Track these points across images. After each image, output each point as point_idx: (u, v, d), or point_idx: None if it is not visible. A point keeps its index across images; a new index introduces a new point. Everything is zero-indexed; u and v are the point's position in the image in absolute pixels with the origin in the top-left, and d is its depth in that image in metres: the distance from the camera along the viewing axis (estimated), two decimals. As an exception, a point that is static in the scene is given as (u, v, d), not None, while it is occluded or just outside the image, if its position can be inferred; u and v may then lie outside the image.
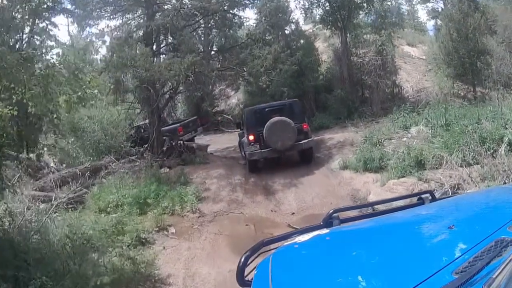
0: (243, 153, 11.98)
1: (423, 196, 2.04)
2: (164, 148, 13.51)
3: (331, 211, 1.85)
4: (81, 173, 10.24)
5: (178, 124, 15.87)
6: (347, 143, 12.33)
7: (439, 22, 20.67)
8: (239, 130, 13.00)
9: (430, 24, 27.50)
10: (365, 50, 17.30)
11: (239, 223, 8.09)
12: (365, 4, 17.27)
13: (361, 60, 17.30)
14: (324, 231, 1.75)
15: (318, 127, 15.70)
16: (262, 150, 10.44)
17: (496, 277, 1.04)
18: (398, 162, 8.77)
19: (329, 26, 17.76)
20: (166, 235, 7.52)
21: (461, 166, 7.68)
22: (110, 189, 9.21)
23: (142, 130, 15.29)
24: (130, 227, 7.01)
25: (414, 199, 2.07)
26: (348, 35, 17.06)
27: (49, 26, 11.02)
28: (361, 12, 17.61)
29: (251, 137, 10.60)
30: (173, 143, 13.49)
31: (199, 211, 8.83)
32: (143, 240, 6.99)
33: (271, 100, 19.43)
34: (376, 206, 2.35)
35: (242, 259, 1.60)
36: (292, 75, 16.39)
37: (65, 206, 7.79)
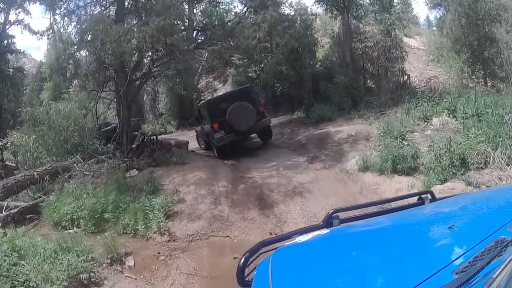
0: (202, 143, 14.52)
1: (423, 196, 2.04)
2: (134, 146, 11.81)
3: (331, 211, 1.85)
4: (39, 177, 9.51)
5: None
6: (360, 137, 10.97)
7: (441, 12, 21.12)
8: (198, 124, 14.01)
9: (426, 15, 26.88)
10: (370, 30, 16.76)
11: (223, 254, 6.60)
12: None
13: (363, 45, 16.96)
14: (324, 231, 1.75)
15: (319, 119, 14.71)
16: (228, 135, 11.80)
17: (496, 277, 1.04)
18: (434, 160, 7.70)
19: (329, 6, 16.95)
20: (120, 271, 6.05)
21: (508, 165, 6.94)
22: (67, 197, 8.24)
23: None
24: (73, 256, 5.63)
25: (414, 199, 2.07)
26: (350, 16, 16.19)
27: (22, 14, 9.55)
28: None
29: (216, 125, 11.80)
30: (145, 139, 11.81)
31: (168, 232, 7.29)
32: (85, 282, 5.42)
33: (263, 92, 20.03)
34: (376, 206, 2.09)
35: (242, 260, 1.60)
36: (288, 57, 15.57)
37: (13, 219, 7.35)
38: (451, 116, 9.82)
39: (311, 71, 16.61)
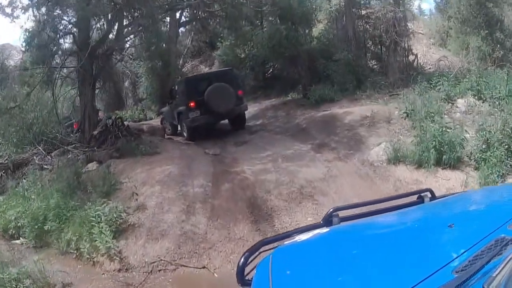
0: (168, 127, 13.89)
1: (422, 194, 2.06)
2: (95, 132, 10.30)
3: (331, 209, 1.86)
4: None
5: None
6: (379, 119, 9.46)
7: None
8: (167, 104, 14.10)
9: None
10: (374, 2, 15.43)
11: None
12: None
13: (364, 22, 15.60)
14: (324, 229, 1.77)
15: (320, 99, 13.37)
16: (204, 115, 11.44)
17: (496, 275, 1.05)
18: (483, 150, 6.36)
19: None
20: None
21: None
22: (15, 199, 7.05)
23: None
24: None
25: (414, 198, 2.09)
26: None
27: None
28: None
29: (192, 104, 11.45)
30: (109, 125, 10.39)
31: (120, 257, 5.36)
32: None
33: (252, 73, 19.18)
34: (375, 205, 2.09)
35: (242, 259, 1.63)
36: (283, 29, 14.09)
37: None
38: (476, 97, 9.15)
39: (308, 48, 15.32)
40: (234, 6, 12.10)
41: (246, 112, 12.94)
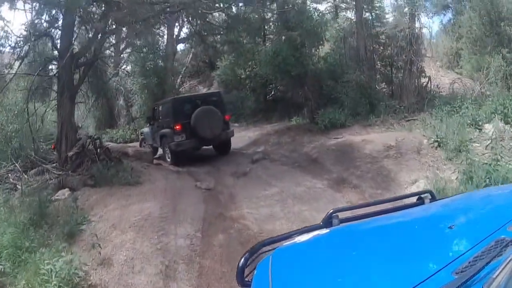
0: (148, 146, 13.43)
1: (423, 195, 2.11)
2: (71, 154, 8.87)
3: (331, 210, 1.92)
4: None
5: None
6: (407, 149, 8.42)
7: (448, 16, 20.51)
8: (148, 124, 13.93)
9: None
10: (387, 21, 15.30)
11: None
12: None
13: (374, 41, 14.85)
14: (324, 231, 1.82)
15: (330, 125, 12.50)
16: (190, 140, 11.39)
17: (496, 277, 1.07)
18: None
19: None
20: None
21: None
22: None
23: None
24: None
25: (414, 199, 2.14)
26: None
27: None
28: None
29: (179, 127, 11.27)
30: (87, 144, 9.13)
31: None
32: None
33: (253, 94, 18.37)
34: (375, 206, 2.11)
35: (242, 260, 1.69)
36: (289, 46, 13.20)
37: None
38: (502, 121, 8.77)
39: (315, 68, 14.58)
40: (235, 18, 10.94)
41: (246, 138, 12.90)
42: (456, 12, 19.03)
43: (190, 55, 24.31)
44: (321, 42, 15.12)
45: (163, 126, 12.17)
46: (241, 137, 14.46)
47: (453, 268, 1.20)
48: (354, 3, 14.61)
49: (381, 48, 14.98)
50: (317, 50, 15.27)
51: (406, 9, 13.69)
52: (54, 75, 9.76)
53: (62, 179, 8.33)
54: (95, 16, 9.03)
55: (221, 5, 10.76)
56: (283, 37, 14.21)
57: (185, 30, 20.33)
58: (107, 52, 20.01)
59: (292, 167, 9.78)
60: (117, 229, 5.80)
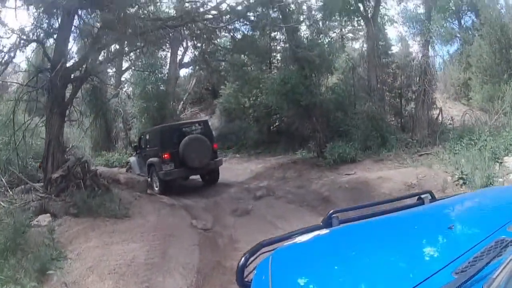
0: (135, 173, 12.85)
1: (423, 196, 2.13)
2: (56, 176, 7.94)
3: (331, 211, 1.95)
4: None
5: None
6: (429, 187, 7.24)
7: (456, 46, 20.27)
8: (134, 153, 14.27)
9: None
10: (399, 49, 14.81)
11: None
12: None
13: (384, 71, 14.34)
14: (324, 231, 1.84)
15: (339, 159, 11.76)
16: (179, 169, 11.37)
17: (496, 277, 1.09)
18: None
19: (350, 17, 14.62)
20: None
21: None
22: None
23: None
24: None
25: (414, 199, 2.16)
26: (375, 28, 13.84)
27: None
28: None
29: (167, 156, 11.19)
30: (74, 167, 8.13)
31: None
32: None
33: (256, 125, 17.74)
34: (375, 207, 2.12)
35: (242, 260, 1.71)
36: (298, 73, 12.58)
37: None
38: None
39: (323, 99, 13.79)
40: (241, 41, 10.53)
41: (248, 170, 12.78)
42: (464, 41, 18.85)
43: (193, 81, 24.53)
44: (331, 71, 14.71)
45: (150, 155, 12.22)
46: (243, 169, 14.10)
47: (453, 268, 1.23)
48: (364, 32, 14.53)
49: (391, 78, 14.69)
50: (326, 80, 14.96)
51: (419, 37, 13.57)
52: (43, 87, 8.82)
53: (44, 202, 7.70)
54: (93, 28, 8.59)
55: (227, 26, 10.42)
56: (291, 65, 13.64)
57: (189, 54, 20.54)
58: (109, 72, 19.79)
59: (300, 205, 8.89)
60: (95, 273, 4.91)
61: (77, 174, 8.39)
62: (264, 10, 11.13)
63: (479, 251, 1.27)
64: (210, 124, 13.26)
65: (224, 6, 10.77)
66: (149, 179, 12.30)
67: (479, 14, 15.77)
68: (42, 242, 5.71)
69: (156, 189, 11.89)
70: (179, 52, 20.85)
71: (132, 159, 13.98)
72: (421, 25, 13.96)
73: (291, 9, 13.26)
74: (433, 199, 2.11)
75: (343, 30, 20.69)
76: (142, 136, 13.71)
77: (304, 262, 1.56)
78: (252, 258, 1.68)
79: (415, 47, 14.21)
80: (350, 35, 21.23)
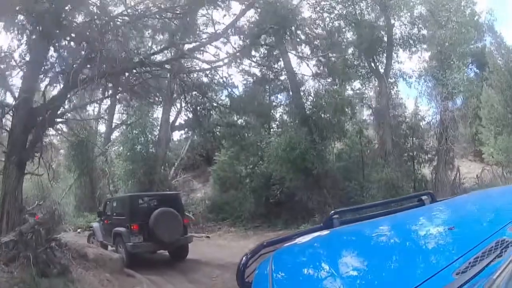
0: (98, 242, 12.48)
1: (423, 197, 2.17)
2: (5, 240, 6.89)
3: (332, 212, 2.02)
4: None
5: None
6: None
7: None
8: (98, 219, 13.98)
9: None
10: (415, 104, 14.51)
11: None
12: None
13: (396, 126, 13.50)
14: (325, 232, 1.89)
15: None
16: (147, 243, 11.12)
17: (497, 278, 1.10)
18: None
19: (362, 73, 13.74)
20: None
21: None
22: None
23: None
24: None
25: (414, 200, 2.21)
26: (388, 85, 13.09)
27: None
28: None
29: (135, 227, 10.92)
30: (27, 232, 6.89)
31: None
32: None
33: (254, 195, 16.12)
34: (376, 208, 2.07)
35: (243, 261, 1.78)
36: (306, 137, 11.59)
37: None
38: None
39: (331, 166, 13.03)
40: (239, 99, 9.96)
41: (247, 249, 10.39)
42: (470, 94, 18.49)
43: (187, 146, 24.12)
44: (344, 133, 14.01)
45: (118, 224, 11.98)
46: (239, 247, 12.54)
47: (454, 268, 1.27)
48: (375, 89, 14.03)
49: (402, 140, 13.93)
50: (333, 145, 14.40)
51: (435, 91, 13.45)
52: (5, 128, 8.20)
53: (-12, 271, 7.53)
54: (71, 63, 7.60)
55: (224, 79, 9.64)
56: (298, 127, 13.02)
57: (182, 116, 20.27)
58: (100, 130, 18.99)
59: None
60: None
61: (30, 243, 7.06)
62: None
63: (480, 252, 1.28)
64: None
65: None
66: (109, 247, 12.15)
67: (483, 63, 15.77)
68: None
69: (126, 262, 11.71)
70: (172, 113, 20.94)
71: (95, 224, 13.68)
72: (437, 79, 13.92)
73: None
74: (433, 200, 2.17)
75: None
76: (108, 202, 13.66)
77: (304, 263, 1.61)
78: (253, 259, 1.73)
79: (427, 104, 14.19)
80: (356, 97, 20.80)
